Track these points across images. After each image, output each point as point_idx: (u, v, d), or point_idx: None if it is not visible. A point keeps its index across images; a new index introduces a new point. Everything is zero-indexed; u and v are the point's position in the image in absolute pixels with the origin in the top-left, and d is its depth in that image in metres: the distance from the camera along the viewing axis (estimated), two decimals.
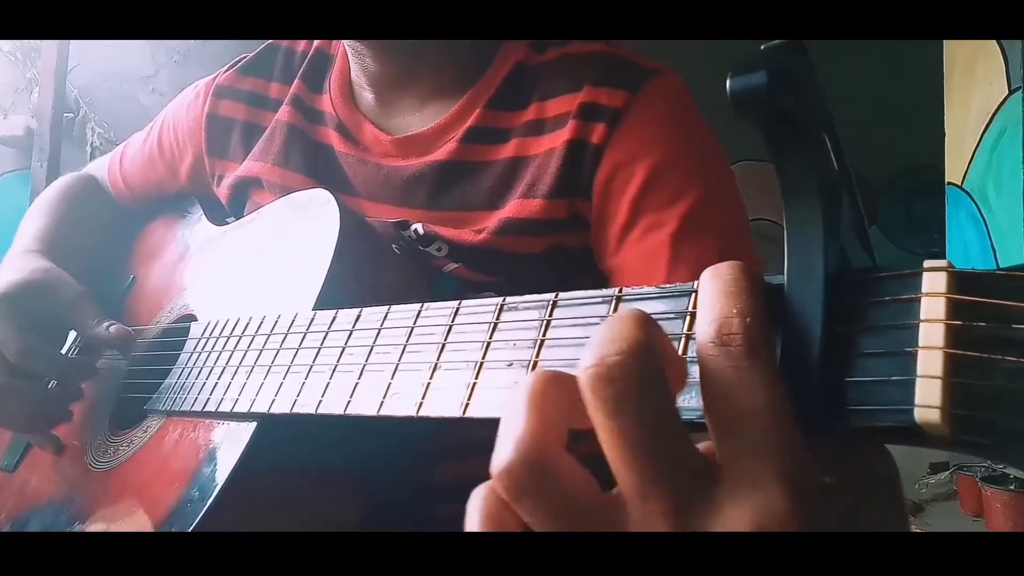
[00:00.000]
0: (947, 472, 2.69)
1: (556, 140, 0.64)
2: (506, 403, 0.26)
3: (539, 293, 0.35)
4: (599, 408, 0.24)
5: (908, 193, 4.98)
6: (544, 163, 0.64)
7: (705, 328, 0.25)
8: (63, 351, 0.78)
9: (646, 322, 0.25)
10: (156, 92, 3.47)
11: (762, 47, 0.26)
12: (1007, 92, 2.50)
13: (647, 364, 0.24)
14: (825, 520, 0.24)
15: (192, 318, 0.70)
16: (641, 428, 0.23)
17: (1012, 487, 2.18)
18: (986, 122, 2.60)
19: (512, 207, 0.64)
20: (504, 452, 0.24)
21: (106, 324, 0.70)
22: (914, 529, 2.42)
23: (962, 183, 2.80)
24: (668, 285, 0.31)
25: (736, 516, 0.23)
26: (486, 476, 0.32)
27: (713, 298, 0.26)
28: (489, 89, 0.68)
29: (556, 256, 0.65)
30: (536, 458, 0.24)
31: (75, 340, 0.80)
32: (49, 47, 2.86)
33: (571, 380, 0.25)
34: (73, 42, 2.85)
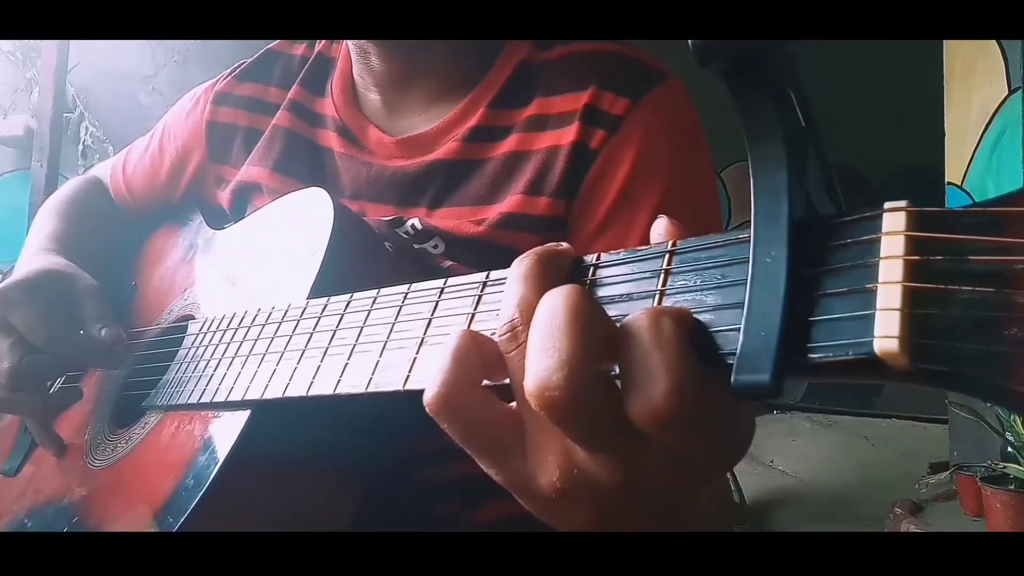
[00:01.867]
0: (947, 472, 2.69)
1: (560, 138, 0.64)
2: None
3: None
4: (545, 416, 0.28)
5: (908, 193, 4.94)
6: (548, 160, 0.64)
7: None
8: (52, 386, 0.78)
9: (586, 323, 0.28)
10: (156, 92, 3.47)
11: None
12: (1007, 92, 2.50)
13: (586, 383, 0.28)
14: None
15: (192, 318, 0.70)
16: (581, 427, 0.28)
17: (1012, 487, 2.18)
18: (986, 122, 2.60)
19: (514, 202, 0.64)
20: (428, 389, 0.32)
21: (99, 326, 0.69)
22: (913, 529, 2.42)
23: (962, 183, 2.80)
24: (642, 248, 0.32)
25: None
26: (484, 474, 0.32)
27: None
28: (493, 88, 0.69)
29: None
30: (449, 398, 0.31)
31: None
32: (49, 47, 2.85)
33: (488, 343, 0.32)
34: (73, 42, 2.85)
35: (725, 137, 0.66)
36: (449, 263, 0.66)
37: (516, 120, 0.67)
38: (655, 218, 0.62)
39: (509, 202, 0.64)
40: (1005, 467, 2.23)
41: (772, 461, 3.30)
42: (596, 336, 0.28)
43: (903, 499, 2.67)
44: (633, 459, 0.29)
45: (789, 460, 3.32)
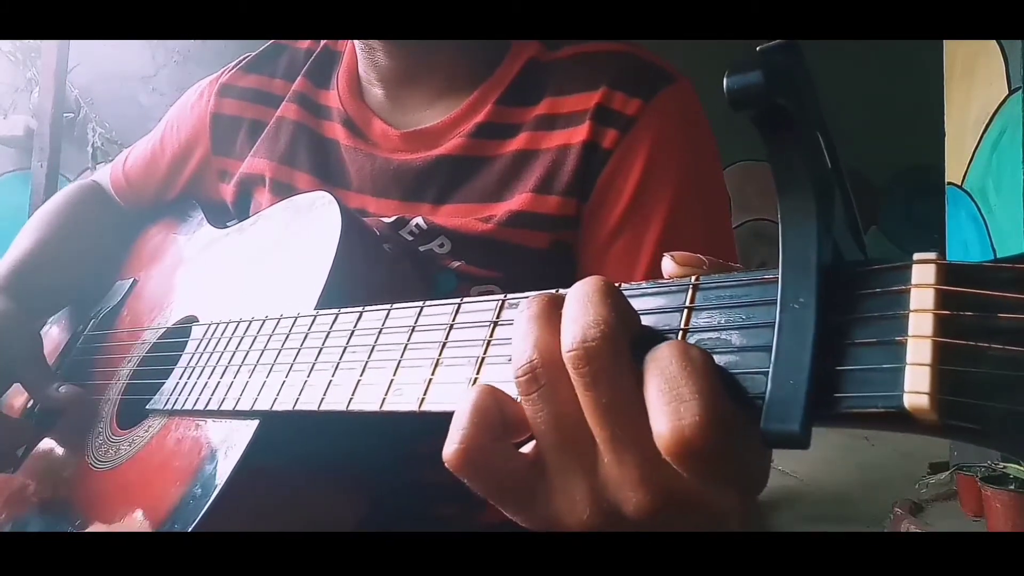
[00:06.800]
0: (947, 472, 2.69)
1: (571, 137, 0.64)
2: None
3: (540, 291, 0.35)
4: (579, 382, 0.29)
5: (908, 193, 4.98)
6: (558, 159, 0.64)
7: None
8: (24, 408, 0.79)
9: (616, 299, 0.30)
10: (156, 92, 3.47)
11: (758, 48, 0.26)
12: (1007, 92, 2.50)
13: (619, 345, 0.29)
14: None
15: (194, 319, 0.70)
16: (612, 396, 0.29)
17: (1012, 487, 2.18)
18: (986, 122, 2.60)
19: (523, 200, 0.64)
20: (447, 445, 0.32)
21: (56, 385, 0.72)
22: (914, 529, 2.42)
23: (962, 183, 2.80)
24: (663, 281, 0.32)
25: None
26: None
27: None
28: (501, 85, 0.68)
29: (557, 253, 0.65)
30: (470, 454, 0.31)
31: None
32: (49, 47, 2.85)
33: (506, 399, 0.32)
34: (73, 42, 2.85)
35: (728, 137, 0.66)
36: (457, 263, 0.66)
37: (525, 118, 0.67)
38: (669, 217, 0.62)
39: (518, 200, 0.64)
40: (1005, 467, 2.23)
41: (772, 461, 3.30)
42: (629, 308, 0.30)
43: (903, 499, 2.67)
44: (662, 495, 0.29)
45: (789, 460, 3.32)
